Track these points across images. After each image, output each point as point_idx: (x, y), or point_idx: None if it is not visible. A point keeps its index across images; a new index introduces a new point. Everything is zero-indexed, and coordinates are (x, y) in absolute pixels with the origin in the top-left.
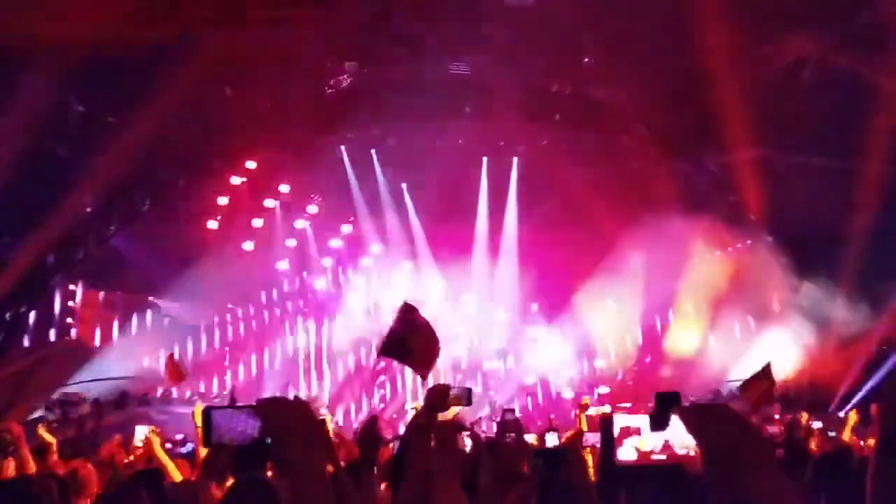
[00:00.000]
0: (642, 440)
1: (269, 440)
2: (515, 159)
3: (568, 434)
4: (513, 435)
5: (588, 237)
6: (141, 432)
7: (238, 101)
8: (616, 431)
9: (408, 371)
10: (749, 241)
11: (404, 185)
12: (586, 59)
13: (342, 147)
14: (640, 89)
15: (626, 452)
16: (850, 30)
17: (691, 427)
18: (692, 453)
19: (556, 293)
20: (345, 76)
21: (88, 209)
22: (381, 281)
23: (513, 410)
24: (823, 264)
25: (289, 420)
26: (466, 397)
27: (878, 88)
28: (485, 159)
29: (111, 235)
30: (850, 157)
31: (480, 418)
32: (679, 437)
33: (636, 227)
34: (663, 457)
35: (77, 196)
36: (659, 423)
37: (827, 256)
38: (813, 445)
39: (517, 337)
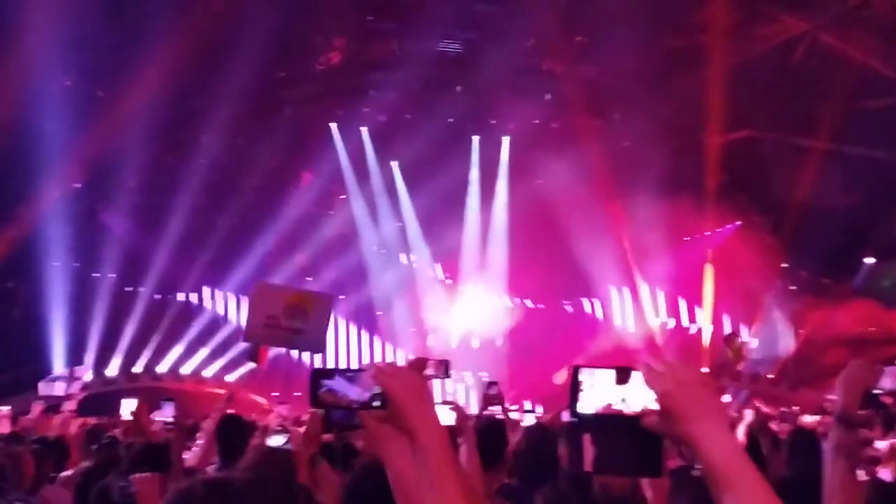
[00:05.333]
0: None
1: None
2: (506, 138)
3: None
4: (496, 408)
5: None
6: (128, 405)
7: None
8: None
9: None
10: (738, 223)
11: (394, 163)
12: (578, 38)
13: (333, 125)
14: (632, 68)
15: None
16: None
17: (648, 377)
18: (652, 407)
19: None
20: (335, 53)
21: (77, 185)
22: (372, 258)
23: (496, 384)
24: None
25: (406, 386)
26: (444, 370)
27: (869, 70)
28: (475, 138)
29: (100, 212)
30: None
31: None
32: (635, 395)
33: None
34: (622, 408)
35: (65, 172)
36: (624, 377)
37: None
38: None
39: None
